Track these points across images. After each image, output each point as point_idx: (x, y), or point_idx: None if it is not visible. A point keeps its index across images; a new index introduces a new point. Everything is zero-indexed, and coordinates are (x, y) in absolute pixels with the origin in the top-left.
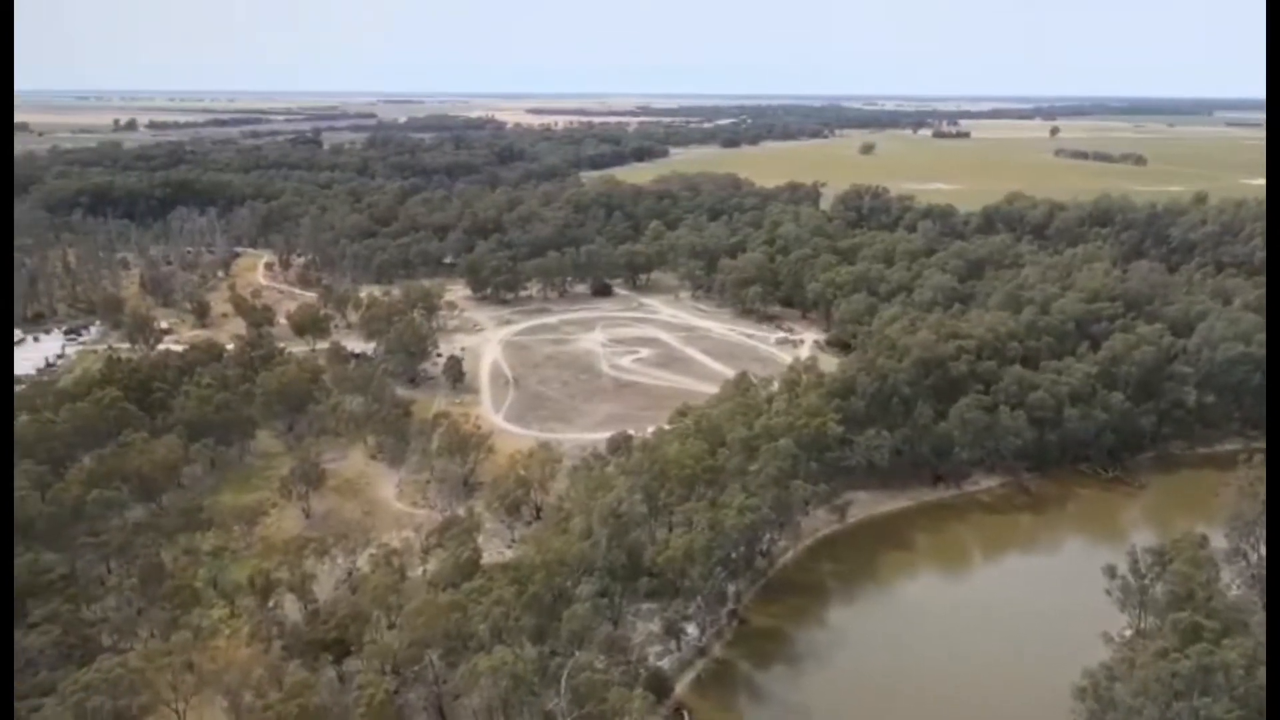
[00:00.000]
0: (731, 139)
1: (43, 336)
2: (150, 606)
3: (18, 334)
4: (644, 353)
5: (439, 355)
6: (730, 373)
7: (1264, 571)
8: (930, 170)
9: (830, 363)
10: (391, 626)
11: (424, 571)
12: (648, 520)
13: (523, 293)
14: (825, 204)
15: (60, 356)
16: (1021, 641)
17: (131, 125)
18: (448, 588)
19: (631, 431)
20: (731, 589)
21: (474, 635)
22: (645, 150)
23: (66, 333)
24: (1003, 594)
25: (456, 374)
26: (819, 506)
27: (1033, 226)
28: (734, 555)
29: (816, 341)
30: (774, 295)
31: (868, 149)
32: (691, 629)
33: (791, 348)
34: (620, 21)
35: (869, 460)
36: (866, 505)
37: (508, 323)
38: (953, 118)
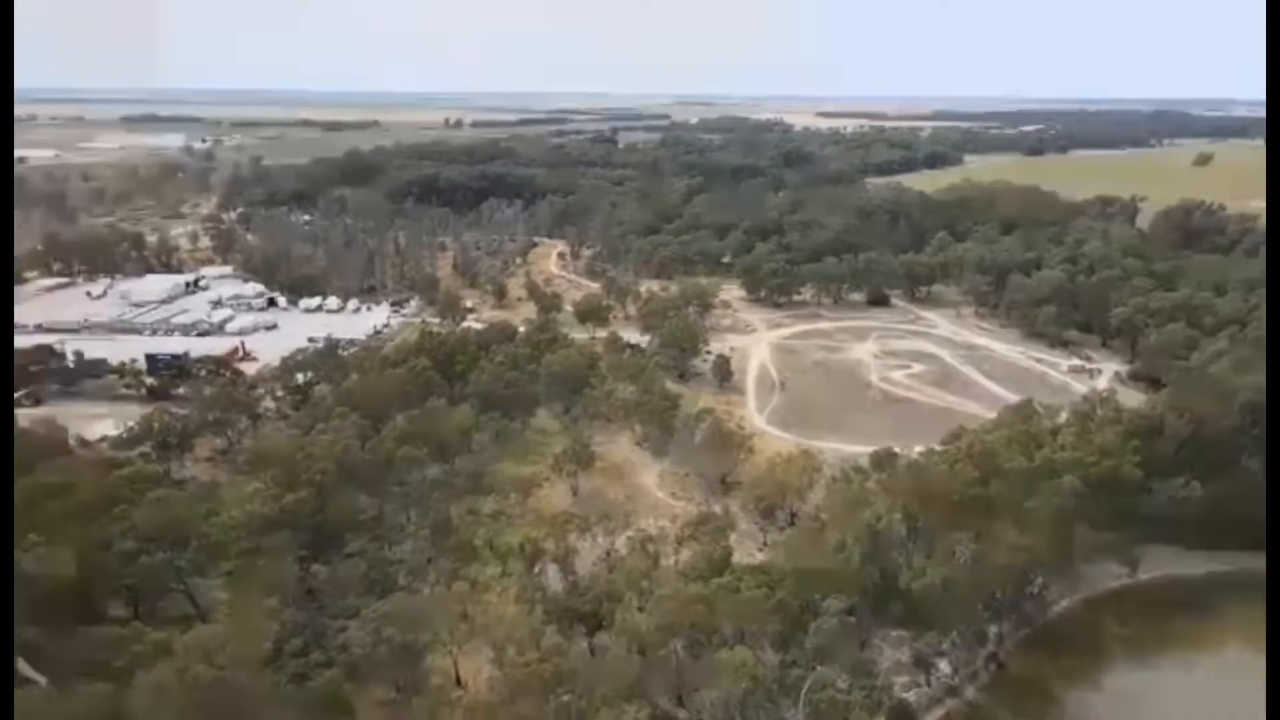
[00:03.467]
0: (1036, 147)
1: (374, 307)
2: (438, 556)
3: (354, 303)
4: (917, 368)
5: (709, 353)
6: (1012, 398)
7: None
8: None
9: (1133, 398)
10: (641, 610)
11: (676, 561)
12: (906, 543)
13: (796, 297)
14: (1143, 221)
15: (386, 326)
16: None
17: (459, 124)
18: (697, 580)
19: (897, 449)
20: (993, 630)
21: (717, 631)
22: (938, 157)
23: (392, 305)
24: None
25: (724, 373)
26: (1105, 556)
27: None
28: (999, 595)
29: (1118, 373)
30: (1070, 319)
31: (1204, 160)
32: (944, 665)
33: (1087, 377)
34: (917, 17)
35: (1173, 513)
36: (1164, 562)
37: (779, 326)
38: None
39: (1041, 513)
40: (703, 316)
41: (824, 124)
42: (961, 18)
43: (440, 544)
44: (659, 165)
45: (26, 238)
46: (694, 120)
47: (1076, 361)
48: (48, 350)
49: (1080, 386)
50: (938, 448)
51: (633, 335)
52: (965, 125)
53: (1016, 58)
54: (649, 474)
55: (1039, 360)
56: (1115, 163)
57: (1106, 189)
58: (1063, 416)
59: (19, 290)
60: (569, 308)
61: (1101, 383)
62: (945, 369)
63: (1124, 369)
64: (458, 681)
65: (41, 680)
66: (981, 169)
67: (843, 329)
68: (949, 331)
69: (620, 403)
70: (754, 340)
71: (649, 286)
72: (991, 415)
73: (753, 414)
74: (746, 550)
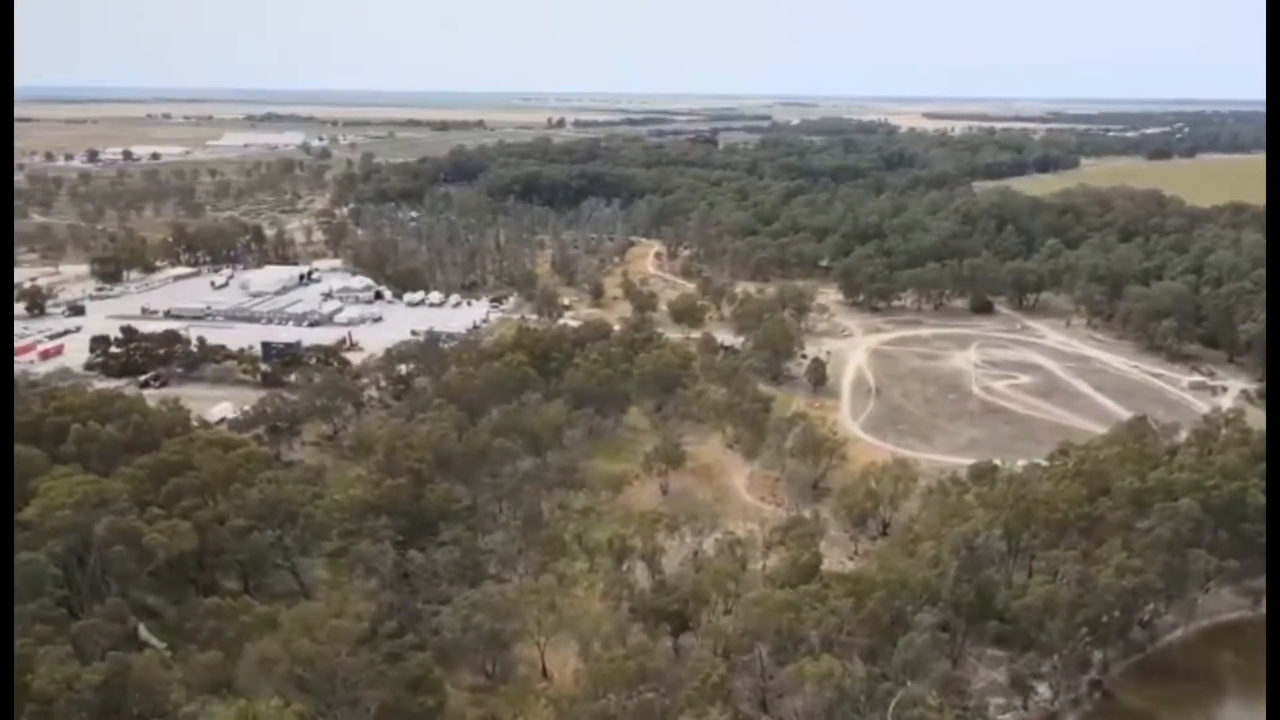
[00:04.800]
0: (1161, 150)
1: (474, 302)
2: (528, 548)
3: (455, 297)
4: (1022, 379)
5: (803, 356)
6: (1124, 414)
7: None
8: None
9: (1261, 418)
10: (727, 612)
11: (763, 566)
12: (1005, 560)
13: (895, 302)
14: None
15: (484, 321)
16: None
17: (560, 124)
18: (784, 586)
19: (997, 461)
20: (1097, 656)
21: (804, 639)
22: (1050, 160)
23: (491, 300)
24: None
25: (819, 377)
26: (1224, 585)
27: None
28: (1105, 619)
29: (1244, 391)
30: (1193, 332)
31: None
32: (1043, 689)
33: (1209, 395)
34: (1032, 15)
35: None
36: None
37: (876, 331)
38: None
39: (1154, 536)
40: (798, 319)
41: (931, 125)
42: (1081, 15)
43: (530, 536)
44: (758, 166)
45: (158, 229)
46: (796, 121)
47: (1198, 378)
48: (174, 335)
49: (1202, 404)
50: (1042, 462)
51: (727, 336)
52: (1082, 127)
53: (1140, 56)
54: (739, 476)
55: (1156, 375)
56: (1248, 167)
57: (1237, 195)
58: (1181, 435)
59: (151, 278)
60: (664, 307)
61: (1226, 401)
62: (1052, 380)
63: (1252, 387)
64: (544, 672)
65: (160, 646)
66: (1098, 172)
67: (943, 336)
68: (1057, 342)
69: (712, 404)
70: (850, 345)
71: (745, 288)
72: (1101, 430)
73: (846, 419)
74: (836, 558)
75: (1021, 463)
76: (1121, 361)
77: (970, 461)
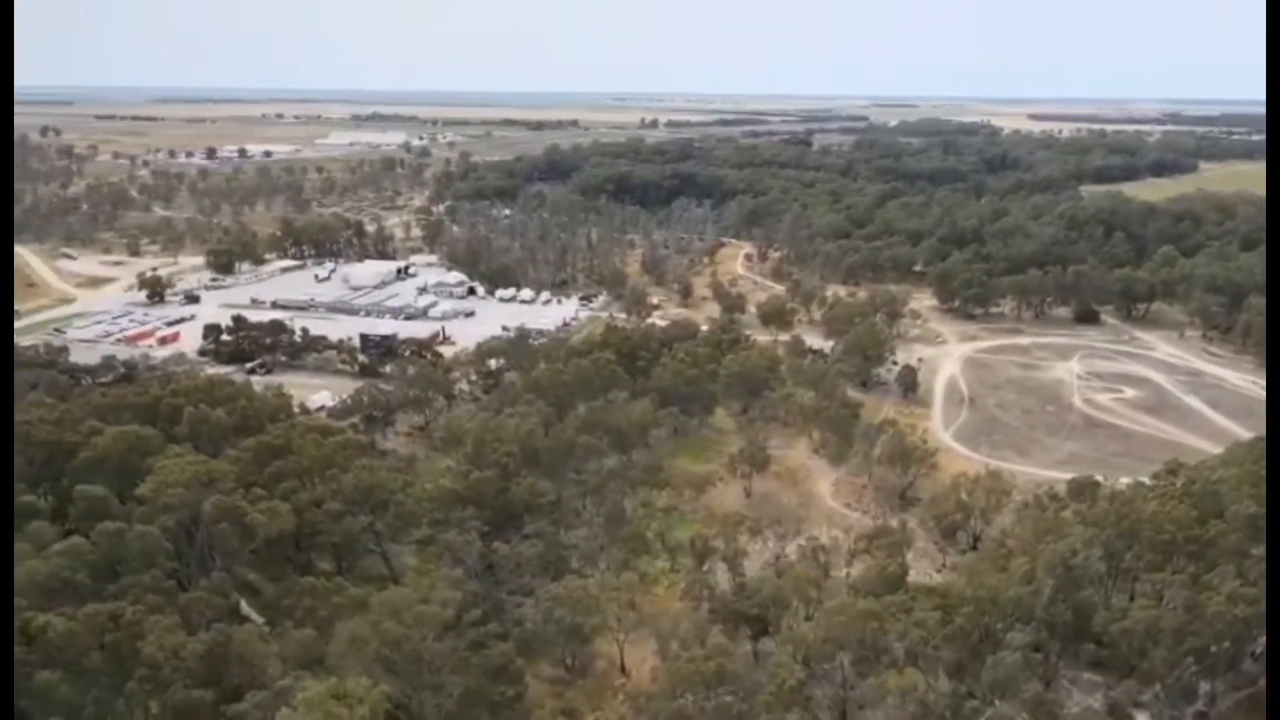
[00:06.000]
0: None
1: (564, 300)
2: (610, 545)
3: (545, 295)
4: (1128, 393)
5: (894, 362)
6: (1243, 433)
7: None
8: None
9: None
10: (808, 619)
11: (847, 574)
12: (1105, 580)
13: (993, 309)
14: None
15: (574, 318)
16: None
17: (654, 124)
18: (868, 595)
19: (1099, 478)
20: (1204, 687)
21: (888, 651)
22: (1166, 164)
23: (581, 299)
24: None
25: (910, 384)
26: None
27: None
28: (1214, 649)
29: None
30: None
31: None
32: (1143, 718)
33: None
34: (1148, 11)
35: None
36: None
37: (972, 339)
38: None
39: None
40: (890, 325)
41: (1036, 127)
42: (1200, 11)
43: (613, 533)
44: (853, 168)
45: (268, 224)
46: (893, 122)
47: None
48: (280, 325)
49: None
50: (1147, 481)
51: (816, 340)
52: (1201, 129)
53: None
54: (824, 481)
55: None
56: None
57: None
58: None
59: (260, 270)
60: (753, 309)
61: None
62: (1161, 395)
63: None
64: (622, 669)
65: (259, 621)
66: (1219, 177)
67: (1043, 345)
68: (1168, 354)
69: (799, 407)
70: (943, 352)
71: (835, 291)
72: (1215, 450)
73: (938, 428)
74: (923, 569)
75: (1125, 480)
76: (1239, 377)
77: (1069, 476)
